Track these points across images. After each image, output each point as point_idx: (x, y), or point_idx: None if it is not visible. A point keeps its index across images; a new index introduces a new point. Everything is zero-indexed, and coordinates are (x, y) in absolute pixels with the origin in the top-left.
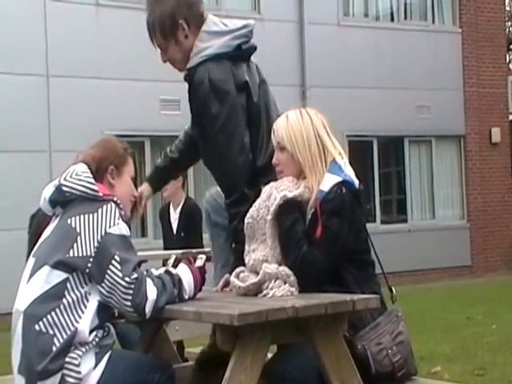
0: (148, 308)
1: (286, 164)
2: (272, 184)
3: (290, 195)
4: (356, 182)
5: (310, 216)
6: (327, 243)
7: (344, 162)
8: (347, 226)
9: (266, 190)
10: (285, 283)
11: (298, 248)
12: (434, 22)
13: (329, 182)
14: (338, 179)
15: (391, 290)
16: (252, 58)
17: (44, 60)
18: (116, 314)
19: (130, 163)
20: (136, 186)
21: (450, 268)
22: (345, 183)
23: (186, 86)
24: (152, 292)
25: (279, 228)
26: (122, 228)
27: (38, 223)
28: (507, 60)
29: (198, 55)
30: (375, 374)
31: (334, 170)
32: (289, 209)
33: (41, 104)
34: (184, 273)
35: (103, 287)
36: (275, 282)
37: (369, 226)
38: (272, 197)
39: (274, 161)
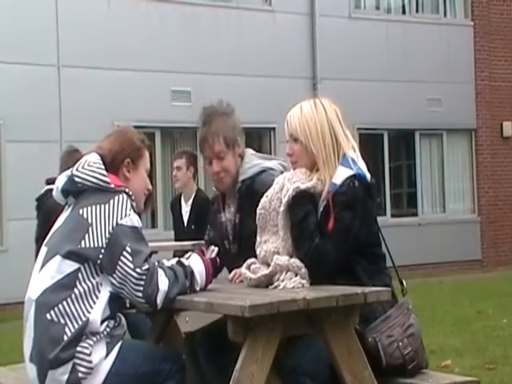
0: (159, 299)
1: (299, 155)
2: (285, 175)
3: (302, 187)
4: (368, 175)
5: (322, 208)
6: (339, 236)
7: (356, 155)
8: (359, 219)
9: (278, 181)
10: (296, 275)
11: (310, 240)
12: (445, 14)
13: (341, 174)
14: (350, 172)
15: (402, 283)
16: None
17: (55, 50)
18: (128, 305)
19: (146, 156)
20: (150, 178)
21: (461, 262)
22: (357, 176)
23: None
24: (163, 283)
25: (291, 220)
26: (133, 219)
27: (46, 213)
28: None
29: (255, 167)
30: (386, 366)
31: (347, 163)
32: (301, 201)
33: (52, 94)
34: (196, 264)
35: (115, 278)
36: (286, 273)
37: (379, 219)
38: (285, 188)
39: (287, 151)
